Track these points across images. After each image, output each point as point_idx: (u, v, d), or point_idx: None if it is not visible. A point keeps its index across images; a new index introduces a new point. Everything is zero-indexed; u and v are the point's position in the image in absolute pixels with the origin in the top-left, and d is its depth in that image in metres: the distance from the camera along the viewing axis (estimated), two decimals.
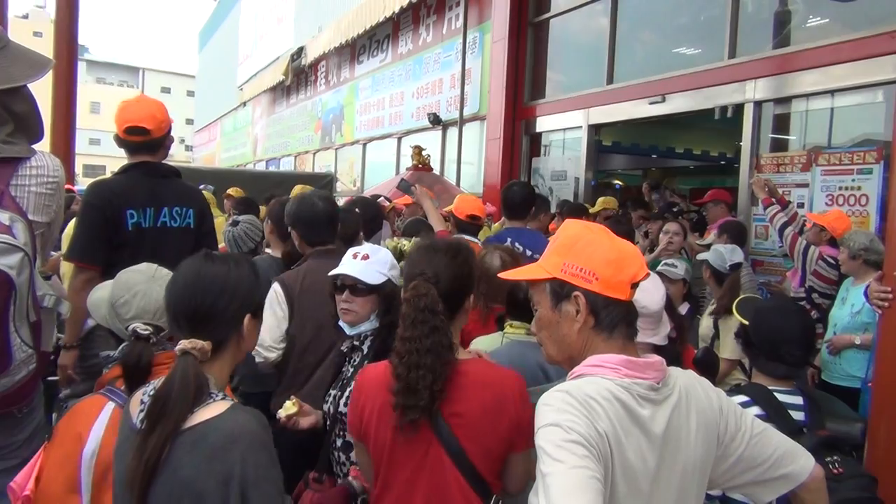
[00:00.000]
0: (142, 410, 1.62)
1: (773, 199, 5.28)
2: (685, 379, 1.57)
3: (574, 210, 6.96)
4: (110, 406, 1.98)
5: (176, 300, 1.70)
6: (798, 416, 2.28)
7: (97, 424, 1.96)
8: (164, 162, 3.41)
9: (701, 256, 4.84)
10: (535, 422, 1.41)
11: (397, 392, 1.90)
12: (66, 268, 3.66)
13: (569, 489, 1.26)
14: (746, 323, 2.53)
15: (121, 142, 3.29)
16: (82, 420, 1.97)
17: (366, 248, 2.58)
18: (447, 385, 1.91)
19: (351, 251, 2.55)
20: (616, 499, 1.39)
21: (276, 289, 3.12)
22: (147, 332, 1.99)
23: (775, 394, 2.31)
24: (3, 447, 2.22)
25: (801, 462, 1.62)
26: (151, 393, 1.62)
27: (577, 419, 1.35)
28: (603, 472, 1.33)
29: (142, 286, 2.11)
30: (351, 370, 2.50)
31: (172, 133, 3.44)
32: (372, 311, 2.51)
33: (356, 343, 2.56)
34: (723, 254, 4.53)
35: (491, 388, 1.94)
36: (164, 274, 2.16)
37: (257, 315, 1.81)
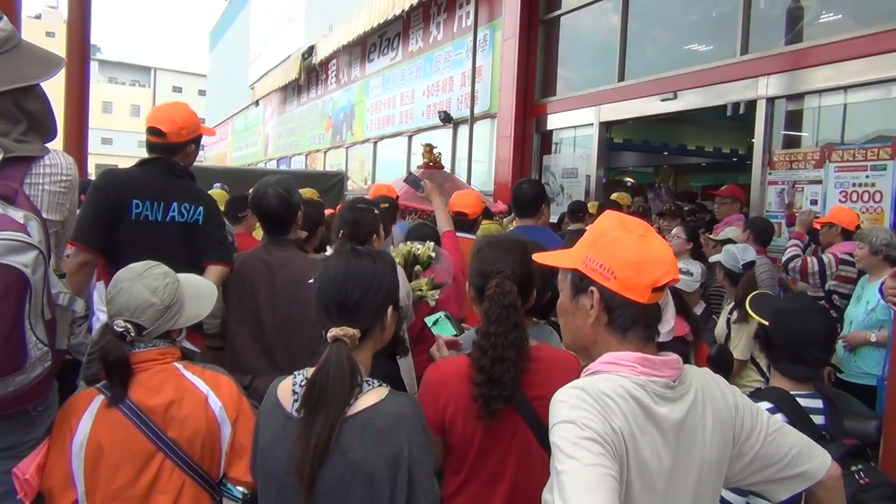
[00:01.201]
0: (296, 399, 1.73)
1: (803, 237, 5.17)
2: (701, 377, 1.56)
3: (573, 210, 6.97)
4: (99, 398, 2.06)
5: (326, 291, 1.82)
6: (818, 419, 2.26)
7: (85, 416, 2.04)
8: (179, 163, 3.43)
9: (713, 259, 4.82)
10: (550, 419, 1.41)
11: (480, 383, 2.01)
12: None
13: (584, 486, 1.25)
14: (765, 323, 2.49)
15: (147, 142, 3.37)
16: (73, 412, 2.06)
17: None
18: (524, 374, 2.04)
19: None
20: (631, 497, 1.38)
21: None
22: (121, 330, 2.07)
23: (796, 398, 2.28)
24: (18, 445, 2.23)
25: (817, 460, 1.61)
26: (302, 382, 1.74)
27: (592, 416, 1.35)
28: (618, 469, 1.33)
29: (126, 284, 2.15)
30: None
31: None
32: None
33: None
34: (735, 254, 4.52)
35: (564, 368, 2.04)
36: (157, 273, 2.20)
37: (397, 307, 1.93)
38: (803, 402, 2.26)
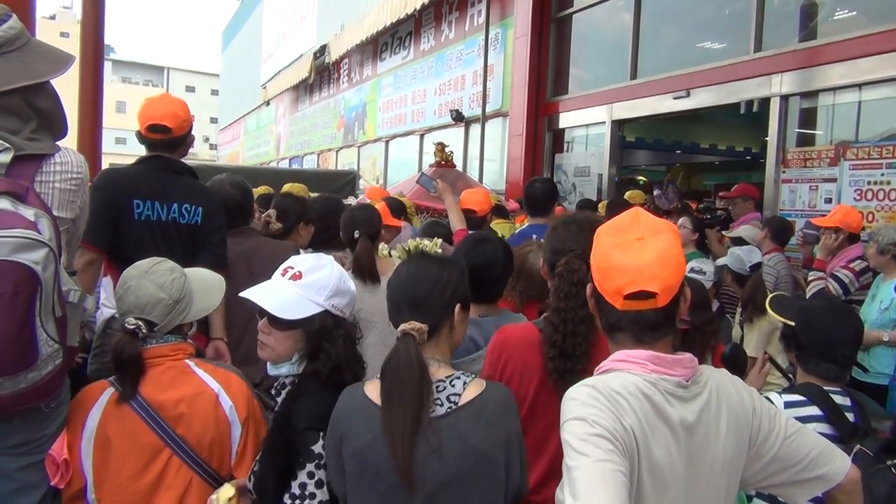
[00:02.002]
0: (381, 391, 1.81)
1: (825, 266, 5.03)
2: (717, 378, 1.55)
3: (582, 208, 6.96)
4: (109, 391, 2.08)
5: (397, 290, 1.92)
6: (849, 416, 2.24)
7: (95, 408, 2.06)
8: (179, 160, 3.44)
9: (720, 262, 4.80)
10: (561, 416, 1.40)
11: (553, 357, 2.10)
12: None
13: (594, 482, 1.25)
14: (791, 323, 2.47)
15: (142, 139, 3.33)
16: (84, 404, 2.08)
17: (305, 261, 2.10)
18: (593, 350, 2.11)
19: (285, 265, 2.09)
20: (642, 495, 1.38)
21: None
22: (132, 327, 2.09)
23: (831, 395, 2.27)
24: (30, 441, 2.24)
25: (836, 463, 1.59)
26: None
27: (602, 413, 1.35)
28: (628, 466, 1.32)
29: (133, 281, 2.16)
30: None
31: (197, 131, 3.49)
32: (295, 350, 2.02)
33: (277, 389, 2.08)
34: (741, 256, 4.51)
35: None
36: (164, 269, 2.22)
37: (466, 307, 1.98)
38: (836, 398, 2.26)
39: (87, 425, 2.03)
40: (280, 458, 1.85)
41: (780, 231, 5.32)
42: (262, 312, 1.99)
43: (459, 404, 1.78)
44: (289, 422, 1.89)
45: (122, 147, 61.10)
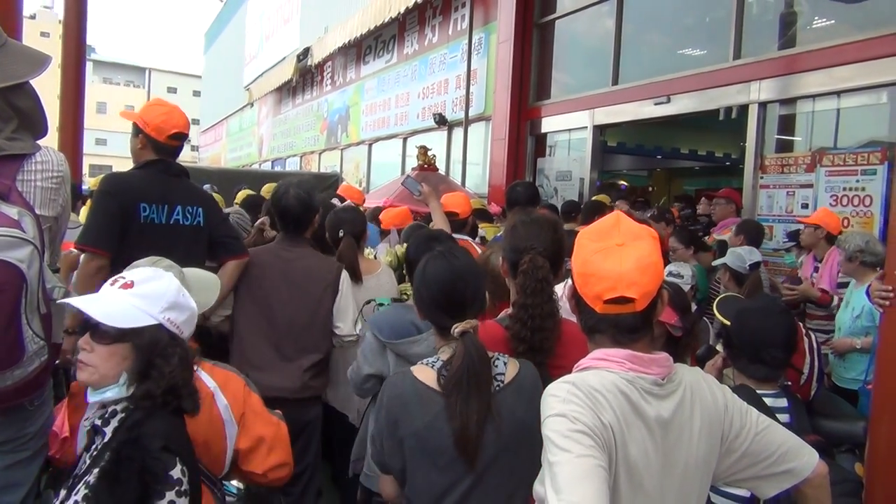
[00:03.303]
0: (442, 380, 1.94)
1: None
2: (691, 376, 1.60)
3: (566, 211, 7.01)
4: None
5: (439, 293, 2.07)
6: (783, 418, 2.28)
7: None
8: (177, 163, 3.47)
9: (719, 261, 4.85)
10: (542, 412, 1.45)
11: (523, 352, 2.19)
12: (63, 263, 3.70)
13: (576, 477, 1.30)
14: (728, 323, 2.52)
15: (155, 144, 3.31)
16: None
17: (140, 271, 1.94)
18: (556, 343, 2.24)
19: (117, 275, 1.93)
20: (618, 490, 1.42)
21: None
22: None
23: (761, 397, 2.31)
24: (14, 439, 2.25)
25: (805, 458, 1.64)
26: (441, 366, 1.97)
27: (582, 410, 1.39)
28: (607, 461, 1.37)
29: None
30: (87, 461, 1.79)
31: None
32: (121, 369, 1.78)
33: (104, 417, 1.82)
34: (742, 255, 4.56)
35: (584, 343, 2.11)
36: (166, 265, 2.25)
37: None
38: (768, 401, 2.30)
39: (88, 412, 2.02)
40: (131, 488, 1.65)
41: (755, 236, 5.41)
42: (85, 327, 1.81)
43: (505, 382, 1.99)
44: (139, 445, 1.69)
45: (103, 148, 60.68)
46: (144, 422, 1.73)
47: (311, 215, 3.48)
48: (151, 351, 1.79)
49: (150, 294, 1.83)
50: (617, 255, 1.51)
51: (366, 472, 2.87)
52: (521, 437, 1.96)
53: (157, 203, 3.24)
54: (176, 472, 1.68)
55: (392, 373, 2.63)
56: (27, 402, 2.23)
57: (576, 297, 1.60)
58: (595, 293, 1.51)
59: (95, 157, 56.12)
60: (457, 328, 1.95)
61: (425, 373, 1.99)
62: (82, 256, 3.18)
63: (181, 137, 3.35)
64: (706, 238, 6.53)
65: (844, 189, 5.58)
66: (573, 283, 1.60)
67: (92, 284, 3.04)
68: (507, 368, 2.02)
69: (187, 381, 1.83)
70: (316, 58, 17.16)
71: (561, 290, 2.22)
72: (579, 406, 1.40)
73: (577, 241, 1.61)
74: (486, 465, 1.93)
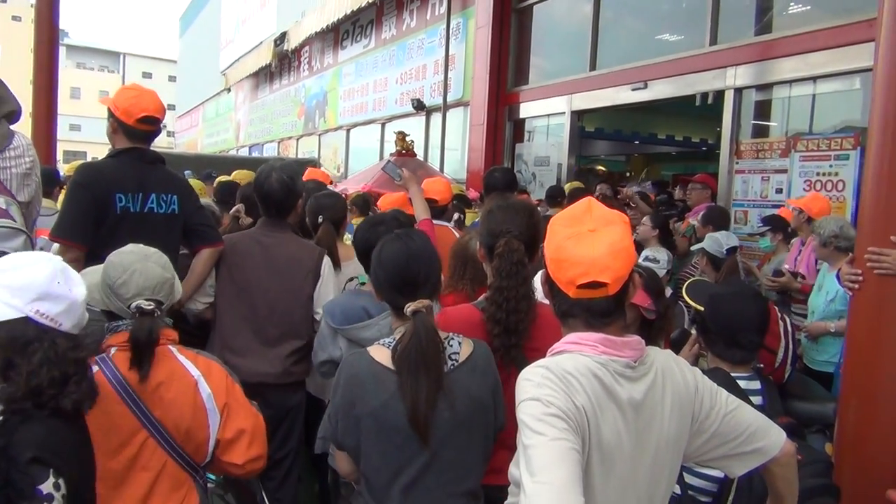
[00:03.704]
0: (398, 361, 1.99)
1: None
2: (663, 358, 1.63)
3: (551, 195, 7.04)
4: (94, 369, 2.05)
5: (395, 272, 2.12)
6: (756, 400, 2.32)
7: None
8: (152, 150, 3.44)
9: (697, 246, 4.90)
10: (517, 396, 1.47)
11: (498, 334, 2.26)
12: None
13: (550, 460, 1.32)
14: (701, 309, 2.55)
15: (126, 129, 3.27)
16: None
17: (8, 259, 1.79)
18: (531, 325, 2.29)
19: None
20: (590, 472, 1.44)
21: None
22: (151, 307, 2.12)
23: (735, 379, 2.34)
24: None
25: (773, 437, 1.67)
26: (395, 345, 2.01)
27: (556, 393, 1.41)
28: (580, 444, 1.39)
29: (138, 265, 2.18)
30: None
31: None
32: None
33: None
34: (719, 240, 4.61)
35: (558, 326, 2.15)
36: (153, 252, 2.26)
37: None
38: (742, 383, 2.33)
39: None
40: None
41: (721, 223, 5.46)
42: None
43: (460, 361, 2.07)
44: (5, 455, 1.54)
45: (77, 134, 59.87)
46: (18, 428, 1.59)
47: (293, 200, 3.45)
48: (11, 348, 1.66)
49: (12, 283, 1.70)
50: (589, 241, 1.53)
51: (330, 451, 2.92)
52: (474, 415, 2.05)
53: (133, 192, 3.21)
54: (47, 487, 1.55)
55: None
56: None
57: (549, 283, 1.62)
58: (568, 278, 1.53)
59: (69, 143, 55.32)
60: (409, 307, 2.01)
61: (381, 353, 2.05)
62: (57, 248, 3.15)
63: (152, 122, 3.28)
64: (680, 224, 6.60)
65: (818, 174, 5.65)
66: (546, 268, 1.62)
67: None
68: (462, 348, 2.10)
69: (55, 381, 1.66)
70: (293, 42, 17.02)
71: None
72: (553, 390, 1.42)
73: (550, 226, 1.63)
74: (441, 441, 2.00)
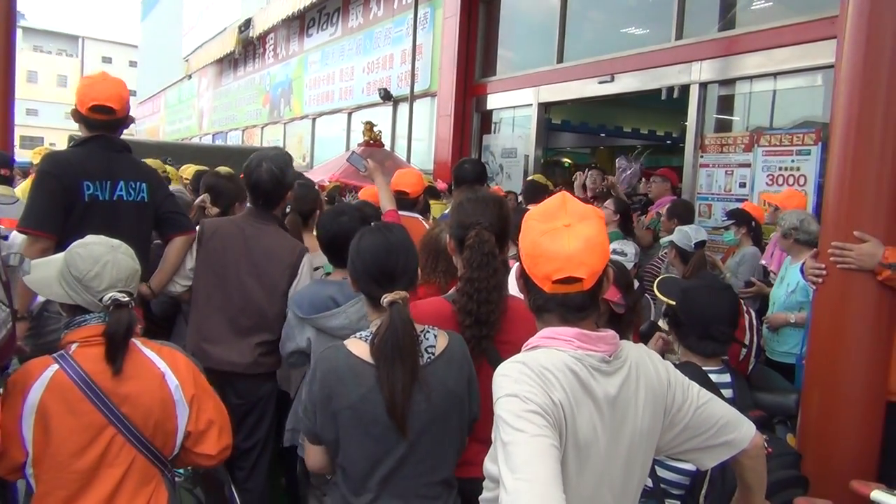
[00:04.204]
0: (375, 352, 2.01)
1: None
2: (636, 352, 1.64)
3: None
4: (53, 367, 2.02)
5: (373, 263, 2.13)
6: (727, 392, 2.36)
7: (38, 383, 1.99)
8: (120, 138, 3.39)
9: (665, 239, 4.95)
10: (494, 392, 1.47)
11: (469, 325, 2.26)
12: None
13: (531, 457, 1.32)
14: (672, 303, 2.58)
15: (81, 118, 3.25)
16: (27, 379, 2.01)
17: None
18: (502, 317, 2.29)
19: None
20: (566, 466, 1.45)
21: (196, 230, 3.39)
22: (127, 300, 2.09)
23: (708, 374, 2.37)
24: None
25: (742, 430, 1.70)
26: (371, 338, 2.03)
27: (533, 389, 1.42)
28: (559, 439, 1.40)
29: (109, 257, 2.13)
30: None
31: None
32: None
33: None
34: (688, 233, 4.65)
35: (530, 319, 2.14)
36: (119, 243, 2.21)
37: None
38: (713, 377, 2.36)
39: (28, 401, 1.96)
40: None
41: (686, 217, 5.52)
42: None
43: (436, 354, 2.09)
44: None
45: (34, 118, 58.42)
46: None
47: (282, 192, 3.37)
48: None
49: None
50: (565, 236, 1.53)
51: (300, 442, 2.92)
52: (450, 407, 2.08)
53: (100, 180, 3.16)
54: None
55: (314, 346, 2.73)
56: None
57: (524, 277, 1.63)
58: (544, 273, 1.53)
59: (26, 129, 54.05)
60: (386, 298, 2.03)
61: (359, 346, 2.06)
62: (25, 239, 3.08)
63: (103, 111, 3.21)
64: (644, 217, 6.67)
65: (780, 169, 5.75)
66: (521, 263, 1.63)
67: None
68: (438, 341, 2.12)
69: None
70: (258, 29, 16.82)
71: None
72: (530, 386, 1.42)
73: (525, 222, 1.63)
74: (419, 433, 2.02)
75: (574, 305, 1.57)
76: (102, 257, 2.13)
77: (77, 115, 3.25)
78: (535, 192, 6.84)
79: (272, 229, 3.35)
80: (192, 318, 3.29)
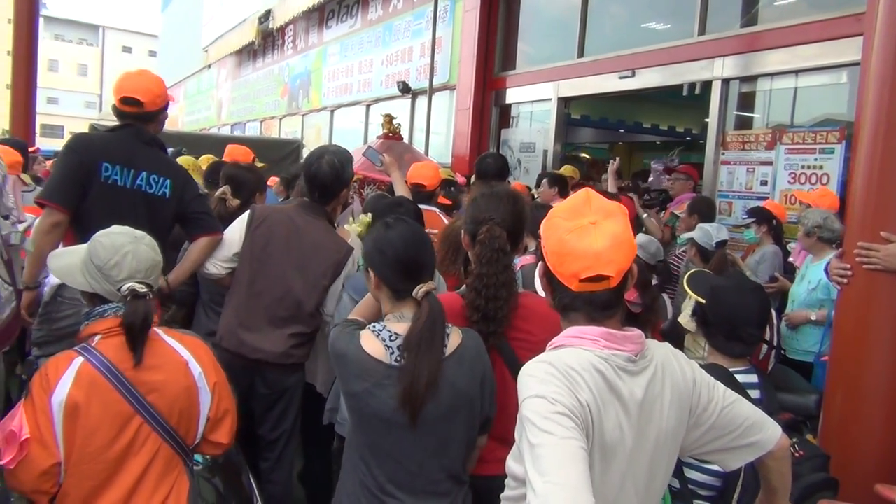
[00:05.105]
0: (392, 351, 2.03)
1: None
2: (662, 352, 1.63)
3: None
4: (79, 360, 2.02)
5: (405, 255, 2.13)
6: (754, 394, 2.32)
7: (65, 376, 1.99)
8: (150, 132, 3.44)
9: (687, 235, 4.91)
10: (519, 392, 1.45)
11: (477, 321, 2.25)
12: None
13: (561, 460, 1.30)
14: (702, 301, 2.53)
15: (114, 108, 3.35)
16: (52, 373, 2.01)
17: None
18: (513, 314, 2.28)
19: None
20: (592, 466, 1.43)
21: (246, 214, 3.35)
22: (144, 291, 2.09)
23: (734, 375, 2.34)
24: None
25: (768, 432, 1.69)
26: (392, 337, 2.04)
27: (560, 390, 1.40)
28: (586, 441, 1.38)
29: (130, 247, 2.14)
30: None
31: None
32: None
33: None
34: (710, 232, 4.60)
35: (545, 316, 2.14)
36: (142, 234, 2.22)
37: None
38: (740, 377, 2.32)
39: (56, 397, 1.96)
40: None
41: (707, 213, 5.49)
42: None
43: (447, 353, 2.07)
44: None
45: (55, 107, 58.89)
46: None
47: (340, 187, 3.34)
48: None
49: None
50: (592, 234, 1.52)
51: (339, 420, 2.97)
52: (458, 406, 2.09)
53: (121, 165, 3.20)
54: None
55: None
56: None
57: (548, 276, 1.61)
58: (572, 272, 1.52)
59: (47, 117, 54.45)
60: (421, 289, 2.06)
61: (371, 342, 2.06)
62: (30, 221, 3.14)
63: (131, 103, 3.28)
64: (662, 213, 6.62)
65: (803, 167, 5.69)
66: (545, 262, 1.61)
67: (47, 241, 3.01)
68: (451, 339, 2.11)
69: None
70: (278, 21, 16.82)
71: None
72: (557, 386, 1.41)
73: (550, 220, 1.61)
74: (424, 429, 2.03)
75: (601, 303, 1.55)
76: (123, 247, 2.14)
77: (114, 109, 3.36)
78: (554, 182, 6.76)
79: (322, 224, 3.32)
80: (231, 301, 3.28)
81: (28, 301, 3.14)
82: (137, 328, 2.04)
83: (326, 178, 3.26)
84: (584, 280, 1.50)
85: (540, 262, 1.66)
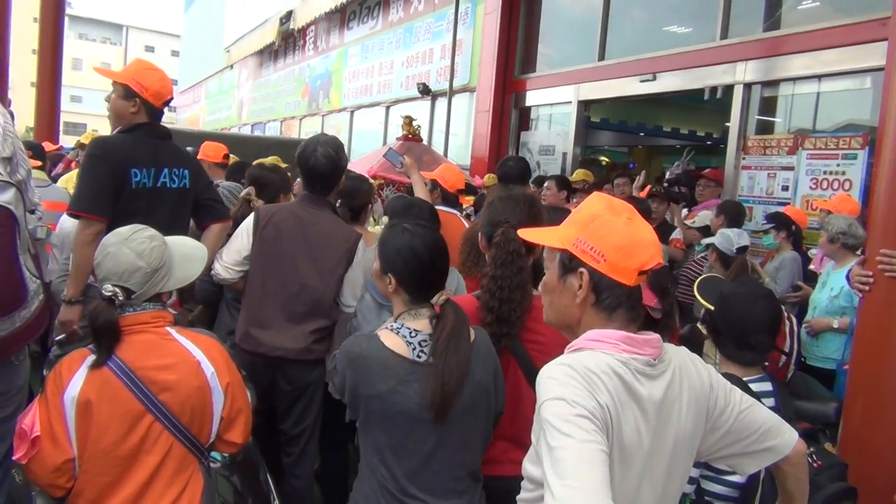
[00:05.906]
0: (415, 348, 2.06)
1: None
2: (679, 356, 1.62)
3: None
4: (91, 359, 2.05)
5: (428, 264, 2.16)
6: (769, 402, 2.30)
7: (78, 374, 2.02)
8: (162, 125, 3.48)
9: (707, 240, 4.87)
10: (538, 394, 1.45)
11: (490, 322, 2.27)
12: None
13: (582, 463, 1.29)
14: (711, 308, 2.50)
15: (153, 110, 3.36)
16: (66, 371, 2.04)
17: None
18: (526, 316, 2.28)
19: None
20: (611, 469, 1.43)
21: (251, 216, 3.36)
22: (110, 294, 2.07)
23: (748, 384, 2.31)
24: (3, 393, 2.27)
25: (785, 436, 1.68)
26: (412, 334, 2.08)
27: (580, 392, 1.39)
28: (606, 443, 1.38)
29: (112, 248, 2.15)
30: None
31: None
32: None
33: None
34: (730, 237, 4.56)
35: None
36: (144, 237, 2.20)
37: None
38: (754, 386, 2.30)
39: (68, 394, 1.99)
40: None
41: (735, 216, 5.44)
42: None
43: None
44: None
45: (78, 105, 59.53)
46: None
47: (338, 176, 3.38)
48: None
49: None
50: (639, 226, 1.55)
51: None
52: (479, 398, 2.12)
53: (147, 167, 3.23)
54: None
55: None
56: (14, 357, 2.24)
57: (595, 279, 1.55)
58: (638, 264, 1.52)
59: (70, 115, 55.03)
60: (441, 296, 2.10)
61: (392, 339, 2.08)
62: (78, 223, 3.14)
63: (170, 102, 3.38)
64: (686, 218, 6.57)
65: (825, 172, 5.64)
66: (591, 265, 1.54)
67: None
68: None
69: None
70: (299, 22, 16.91)
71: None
72: (577, 389, 1.40)
73: (597, 219, 1.56)
74: (450, 425, 2.05)
75: (637, 299, 1.58)
76: (108, 248, 2.16)
77: (145, 107, 3.33)
78: (563, 185, 6.72)
79: (327, 215, 3.35)
80: (246, 304, 3.30)
81: (75, 315, 3.09)
82: (98, 329, 2.03)
83: (325, 169, 3.30)
84: (643, 272, 1.52)
85: (581, 270, 1.56)
